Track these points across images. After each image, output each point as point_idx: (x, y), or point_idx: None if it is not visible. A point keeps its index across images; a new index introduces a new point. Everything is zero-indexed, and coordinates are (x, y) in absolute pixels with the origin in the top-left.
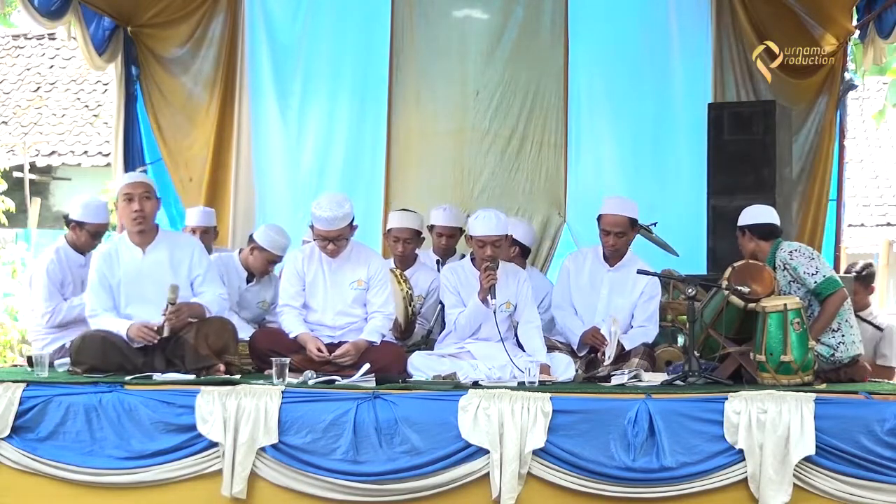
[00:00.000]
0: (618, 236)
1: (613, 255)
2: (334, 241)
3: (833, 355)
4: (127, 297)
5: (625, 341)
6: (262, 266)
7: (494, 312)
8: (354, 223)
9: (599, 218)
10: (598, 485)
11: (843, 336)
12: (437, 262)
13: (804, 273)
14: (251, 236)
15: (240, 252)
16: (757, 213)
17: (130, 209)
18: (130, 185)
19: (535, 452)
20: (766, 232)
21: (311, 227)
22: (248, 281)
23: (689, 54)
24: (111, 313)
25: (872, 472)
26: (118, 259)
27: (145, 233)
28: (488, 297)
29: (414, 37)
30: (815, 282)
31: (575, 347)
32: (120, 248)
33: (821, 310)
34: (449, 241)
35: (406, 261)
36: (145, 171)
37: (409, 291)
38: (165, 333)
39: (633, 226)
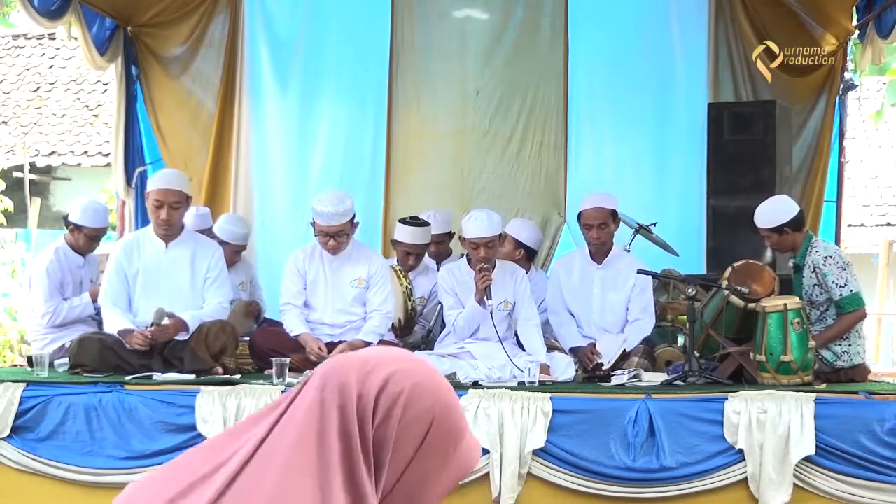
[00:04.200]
0: (600, 228)
1: (599, 252)
2: (335, 236)
3: (835, 362)
4: (143, 288)
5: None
6: (228, 257)
7: (491, 313)
8: (356, 220)
9: (580, 215)
10: (597, 485)
11: (849, 346)
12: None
13: (833, 283)
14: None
15: None
16: (786, 207)
17: (158, 215)
18: (163, 193)
19: (535, 452)
20: (800, 221)
21: (313, 223)
22: None
23: (689, 54)
24: (117, 308)
25: (872, 472)
26: (139, 250)
27: (170, 234)
28: (484, 299)
29: (414, 37)
30: (841, 294)
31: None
32: (143, 240)
33: (837, 322)
34: (439, 248)
35: (411, 267)
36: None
37: (409, 287)
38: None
39: (614, 218)
